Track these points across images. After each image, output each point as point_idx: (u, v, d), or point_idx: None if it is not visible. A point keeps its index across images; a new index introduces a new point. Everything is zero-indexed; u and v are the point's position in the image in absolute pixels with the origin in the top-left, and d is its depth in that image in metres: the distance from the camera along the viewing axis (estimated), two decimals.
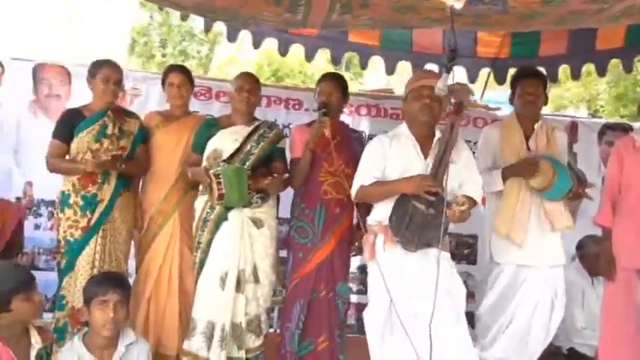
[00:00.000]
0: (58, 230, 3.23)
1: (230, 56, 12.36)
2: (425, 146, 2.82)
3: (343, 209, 3.14)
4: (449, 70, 2.52)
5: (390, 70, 4.68)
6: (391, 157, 2.81)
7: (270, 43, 4.50)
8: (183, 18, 4.03)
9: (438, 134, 2.83)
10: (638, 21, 3.10)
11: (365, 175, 2.82)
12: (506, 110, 5.19)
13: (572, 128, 4.67)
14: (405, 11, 2.63)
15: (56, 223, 3.30)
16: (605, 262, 3.25)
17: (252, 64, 11.45)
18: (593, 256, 4.11)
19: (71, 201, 3.17)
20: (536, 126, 3.37)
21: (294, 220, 3.27)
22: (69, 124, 3.21)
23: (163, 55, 13.51)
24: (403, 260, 2.72)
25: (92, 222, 3.16)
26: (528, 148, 3.35)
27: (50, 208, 4.00)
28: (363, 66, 4.74)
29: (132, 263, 3.41)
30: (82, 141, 3.18)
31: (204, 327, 3.03)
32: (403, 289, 2.70)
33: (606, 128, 4.54)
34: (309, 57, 4.54)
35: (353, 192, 2.85)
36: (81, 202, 3.15)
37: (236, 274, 3.03)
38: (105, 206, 3.17)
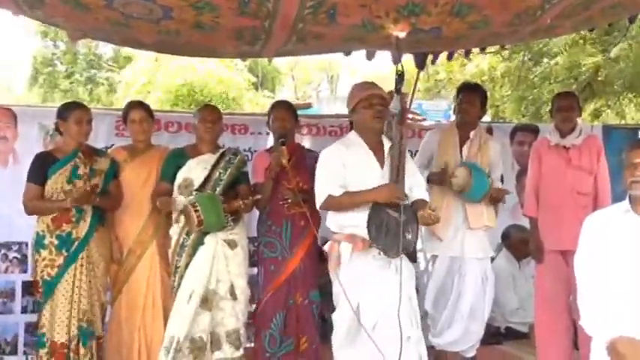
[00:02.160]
0: (35, 271, 3.25)
1: (133, 80, 12.12)
2: (377, 154, 2.91)
3: (307, 222, 3.29)
4: (398, 91, 2.84)
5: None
6: (350, 165, 2.86)
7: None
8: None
9: (386, 142, 2.95)
10: (543, 38, 3.62)
11: (329, 184, 2.83)
12: (431, 121, 5.69)
13: (488, 132, 5.17)
14: (354, 41, 2.94)
15: (32, 264, 3.32)
16: (535, 248, 3.65)
17: (165, 87, 11.39)
18: (518, 242, 4.60)
19: (46, 241, 3.20)
20: (471, 134, 3.73)
21: (261, 237, 3.48)
22: (42, 167, 3.25)
23: (70, 83, 13.06)
24: (371, 268, 2.81)
25: (68, 258, 3.20)
26: (461, 154, 3.72)
27: (4, 250, 3.96)
28: None
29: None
30: (56, 182, 3.23)
31: (167, 341, 3.17)
32: (369, 296, 2.79)
33: (516, 130, 4.98)
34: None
35: (319, 201, 2.86)
36: (56, 242, 3.20)
37: (201, 293, 3.18)
38: (80, 242, 3.23)
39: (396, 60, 2.87)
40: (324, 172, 2.89)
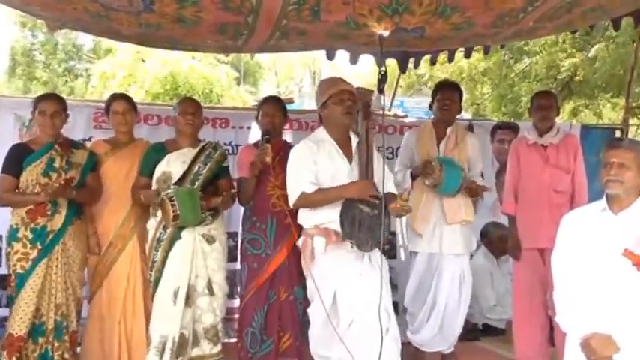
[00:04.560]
0: (8, 264, 3.20)
1: (112, 72, 11.97)
2: (345, 150, 2.94)
3: (293, 219, 3.26)
4: (381, 91, 2.85)
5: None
6: (320, 162, 2.88)
7: None
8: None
9: (354, 138, 2.98)
10: (525, 40, 3.66)
11: (302, 182, 2.86)
12: (412, 118, 5.71)
13: (469, 129, 5.22)
14: (337, 38, 2.94)
15: (5, 257, 3.26)
16: (512, 245, 3.70)
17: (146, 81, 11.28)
18: (496, 240, 4.66)
19: (20, 234, 3.15)
20: (448, 130, 3.76)
21: (245, 233, 3.46)
22: (17, 159, 3.20)
23: (49, 74, 12.85)
24: (345, 259, 2.85)
25: (42, 252, 3.16)
26: (439, 151, 3.74)
27: None
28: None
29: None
30: (31, 174, 3.18)
31: (158, 341, 3.15)
32: (346, 287, 2.82)
33: (497, 128, 5.00)
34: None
35: (292, 199, 2.90)
36: (30, 235, 3.15)
37: (186, 290, 3.17)
38: (54, 235, 3.18)
39: (380, 61, 2.87)
40: (296, 171, 2.90)
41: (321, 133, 2.99)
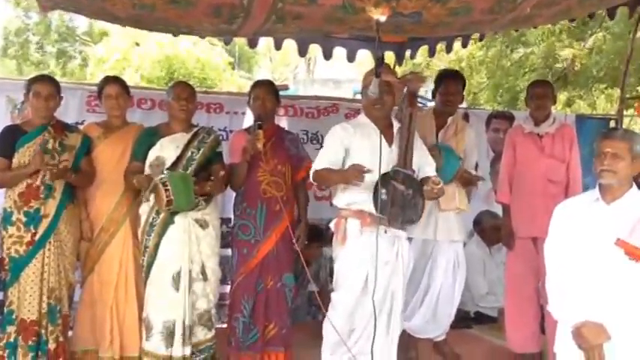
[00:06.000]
0: (2, 248, 3.17)
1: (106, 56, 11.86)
2: (387, 134, 3.01)
3: (284, 206, 3.31)
4: (378, 75, 2.83)
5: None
6: (356, 143, 2.97)
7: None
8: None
9: (396, 123, 3.06)
10: (522, 27, 3.64)
11: (321, 160, 3.00)
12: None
13: (465, 118, 5.21)
14: (334, 22, 2.90)
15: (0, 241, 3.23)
16: (506, 234, 3.72)
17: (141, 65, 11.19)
18: (489, 229, 4.67)
19: (14, 218, 3.13)
20: (449, 120, 3.75)
21: (236, 219, 3.45)
22: (10, 140, 3.16)
23: (42, 56, 12.71)
24: (378, 243, 2.90)
25: (37, 236, 3.14)
26: (437, 139, 3.75)
27: None
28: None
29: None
30: (23, 156, 3.15)
31: (162, 327, 3.13)
32: (378, 272, 2.90)
33: (492, 117, 4.99)
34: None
35: (311, 175, 3.04)
36: (24, 219, 3.12)
37: (188, 274, 3.16)
38: (50, 221, 3.16)
39: (377, 47, 2.86)
40: (323, 149, 3.07)
41: (362, 117, 3.10)
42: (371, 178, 2.88)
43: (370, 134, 3.00)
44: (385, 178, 2.86)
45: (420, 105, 3.09)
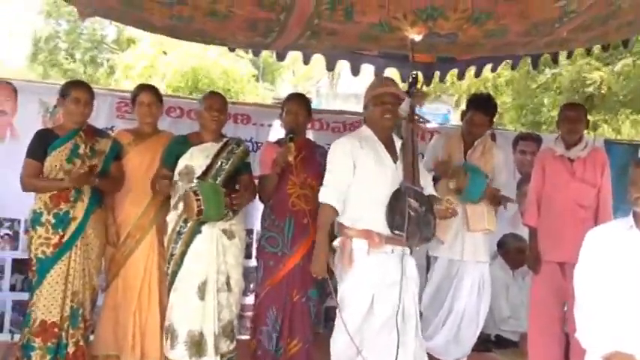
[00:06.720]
0: (30, 248, 3.21)
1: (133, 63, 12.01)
2: (389, 149, 2.95)
3: (311, 219, 3.22)
4: (411, 94, 2.84)
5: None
6: (363, 158, 2.88)
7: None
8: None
9: (397, 140, 3.00)
10: (556, 50, 3.62)
11: (334, 192, 2.87)
12: (435, 124, 5.69)
13: (491, 138, 5.18)
14: (368, 40, 2.92)
15: (28, 241, 3.27)
16: (532, 258, 3.65)
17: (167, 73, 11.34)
18: (513, 252, 4.62)
19: (43, 219, 3.17)
20: (476, 142, 3.77)
21: (264, 231, 3.44)
22: (42, 144, 3.22)
23: (70, 63, 12.95)
24: (387, 263, 2.83)
25: (65, 239, 3.17)
26: (465, 159, 3.75)
27: None
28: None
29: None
30: (55, 159, 3.19)
31: (186, 336, 3.12)
32: (384, 291, 2.81)
33: (519, 139, 5.01)
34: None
35: (321, 199, 2.89)
36: (53, 220, 3.16)
37: (215, 283, 3.16)
38: (78, 224, 3.19)
39: (407, 70, 2.86)
40: (330, 175, 2.92)
41: (365, 130, 3.01)
42: (377, 194, 2.82)
43: (375, 147, 2.94)
44: (397, 195, 2.79)
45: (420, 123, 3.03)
